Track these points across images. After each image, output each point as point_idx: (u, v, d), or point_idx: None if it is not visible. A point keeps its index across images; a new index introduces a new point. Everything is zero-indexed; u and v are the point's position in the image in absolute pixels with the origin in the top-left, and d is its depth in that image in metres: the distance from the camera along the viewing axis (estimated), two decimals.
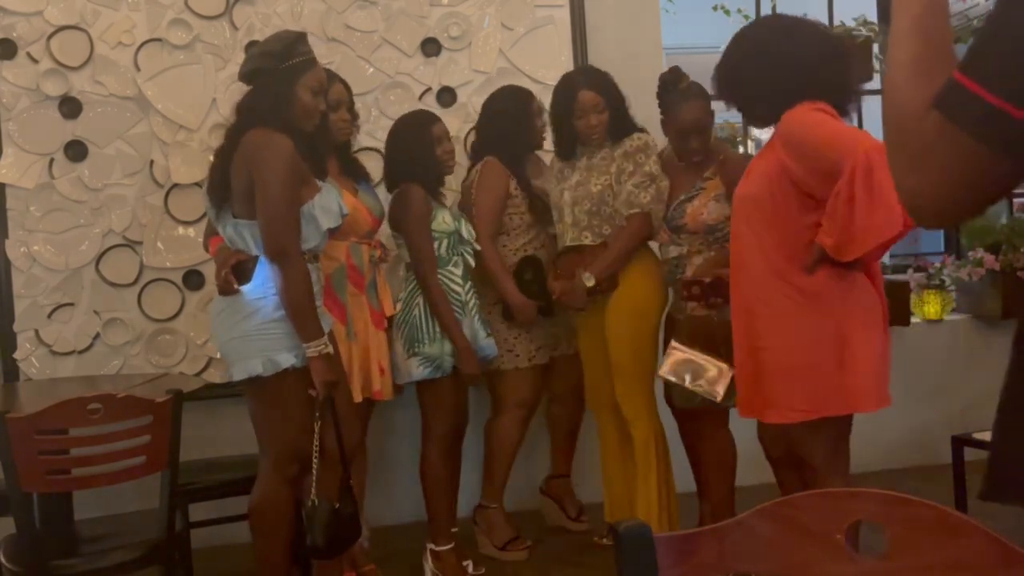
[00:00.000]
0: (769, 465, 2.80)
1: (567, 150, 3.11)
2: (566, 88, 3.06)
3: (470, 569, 3.02)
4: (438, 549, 2.97)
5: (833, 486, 2.10)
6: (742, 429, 2.82)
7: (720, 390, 2.59)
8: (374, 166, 3.41)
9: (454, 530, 3.03)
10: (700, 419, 2.94)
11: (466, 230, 3.01)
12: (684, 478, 3.44)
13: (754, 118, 2.48)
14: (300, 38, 2.43)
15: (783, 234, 2.21)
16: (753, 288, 2.28)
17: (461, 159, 3.38)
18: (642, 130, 3.05)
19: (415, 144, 2.95)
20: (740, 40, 2.35)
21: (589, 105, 2.98)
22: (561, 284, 3.04)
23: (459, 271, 2.97)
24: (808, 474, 2.33)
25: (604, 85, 3.02)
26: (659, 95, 2.91)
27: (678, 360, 2.71)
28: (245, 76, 2.42)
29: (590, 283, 2.94)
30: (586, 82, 3.02)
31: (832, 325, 2.18)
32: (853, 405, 2.21)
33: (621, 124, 3.03)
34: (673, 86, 2.89)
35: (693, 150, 2.86)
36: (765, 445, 2.70)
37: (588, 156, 3.08)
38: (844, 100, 2.25)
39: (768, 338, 2.24)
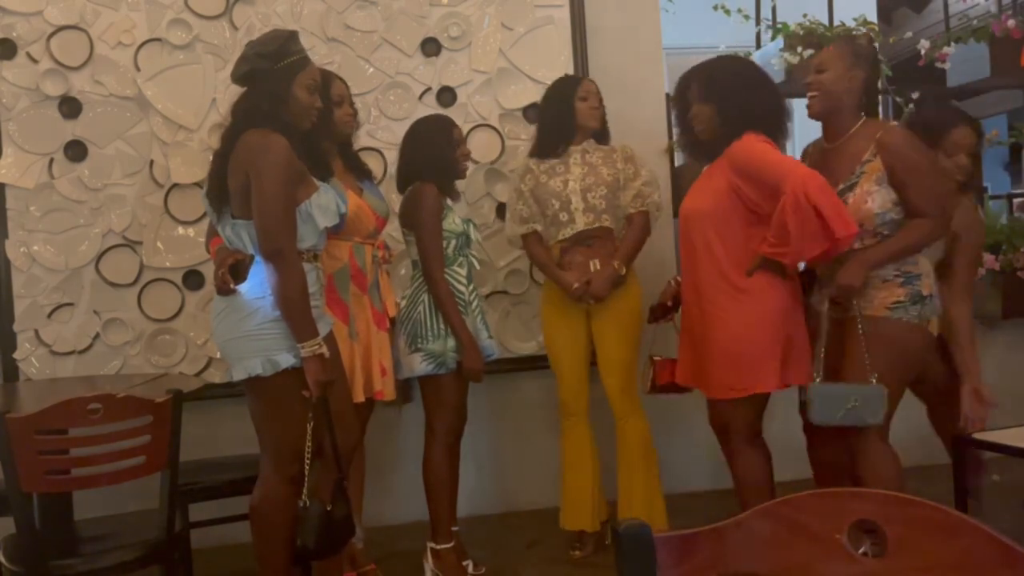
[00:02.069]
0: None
1: (553, 147, 3.13)
2: (570, 78, 3.25)
3: (470, 569, 3.01)
4: (438, 548, 2.97)
5: (750, 453, 2.72)
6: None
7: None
8: (373, 166, 3.41)
9: (455, 528, 3.03)
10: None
11: (474, 233, 3.04)
12: (684, 477, 3.44)
13: (701, 144, 2.78)
14: (292, 36, 2.43)
15: (731, 243, 2.63)
16: (704, 289, 2.68)
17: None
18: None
19: (436, 145, 2.97)
20: (737, 72, 2.74)
21: (594, 91, 3.15)
22: (583, 274, 3.04)
23: (464, 272, 2.99)
24: (731, 440, 2.75)
25: (598, 88, 3.20)
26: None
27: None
28: (241, 78, 2.40)
29: (623, 271, 3.05)
30: (588, 78, 3.21)
31: (762, 316, 2.60)
32: (778, 383, 2.63)
33: (606, 125, 3.22)
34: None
35: (808, 88, 2.72)
36: (713, 423, 2.94)
37: (581, 153, 3.13)
38: (781, 135, 2.71)
39: (715, 330, 2.65)
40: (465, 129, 3.60)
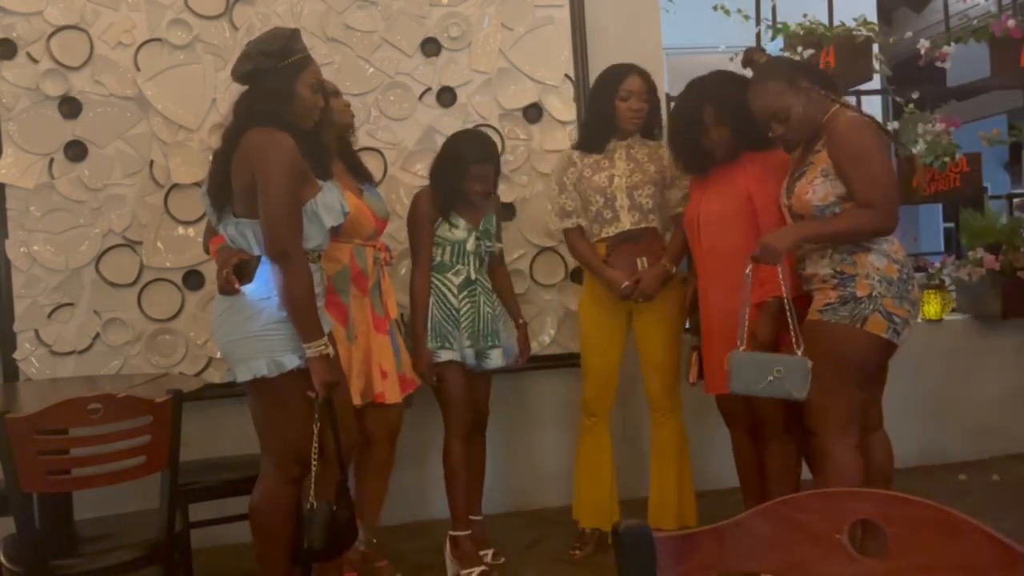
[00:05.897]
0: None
1: (596, 143, 3.10)
2: (616, 71, 3.10)
3: (488, 558, 3.10)
4: (455, 534, 3.06)
5: (786, 441, 2.75)
6: None
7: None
8: (373, 166, 3.41)
9: (478, 518, 3.14)
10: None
11: (472, 243, 3.02)
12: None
13: (704, 155, 2.83)
14: (295, 35, 2.42)
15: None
16: (738, 292, 2.57)
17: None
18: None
19: (444, 170, 3.00)
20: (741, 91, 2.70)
21: (637, 89, 3.04)
22: (631, 273, 3.02)
23: (458, 280, 3.01)
24: (766, 431, 2.80)
25: (650, 79, 3.10)
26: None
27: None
28: (243, 76, 2.40)
29: (673, 270, 3.04)
30: (637, 71, 3.08)
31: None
32: None
33: (653, 123, 3.13)
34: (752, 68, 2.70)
35: (780, 137, 2.59)
36: (724, 409, 2.98)
37: (625, 148, 3.09)
38: None
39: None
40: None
